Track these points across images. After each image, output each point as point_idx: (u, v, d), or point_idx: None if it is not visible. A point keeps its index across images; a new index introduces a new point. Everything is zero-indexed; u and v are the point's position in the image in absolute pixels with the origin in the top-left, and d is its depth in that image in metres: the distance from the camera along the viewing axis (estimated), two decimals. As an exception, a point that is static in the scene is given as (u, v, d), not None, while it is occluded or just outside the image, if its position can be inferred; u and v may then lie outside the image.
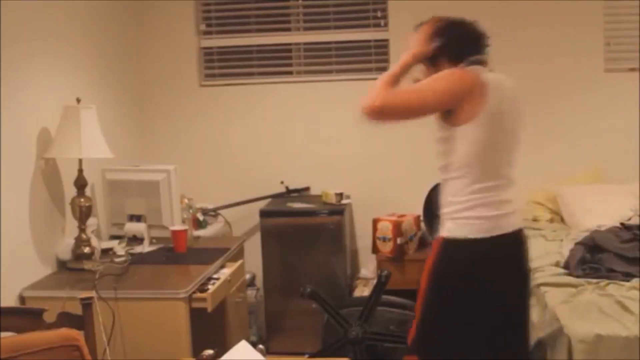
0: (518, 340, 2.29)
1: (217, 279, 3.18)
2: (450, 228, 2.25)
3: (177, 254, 3.38)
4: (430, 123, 4.65)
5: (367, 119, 2.17)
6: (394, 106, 2.18)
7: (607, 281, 2.94)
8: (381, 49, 4.47)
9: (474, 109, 2.18)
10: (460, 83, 2.20)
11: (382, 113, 2.17)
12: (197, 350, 2.72)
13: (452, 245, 2.23)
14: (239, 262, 3.54)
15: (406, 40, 2.46)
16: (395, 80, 2.27)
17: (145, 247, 3.45)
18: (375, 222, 4.12)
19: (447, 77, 2.22)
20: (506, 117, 2.27)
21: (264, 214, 4.19)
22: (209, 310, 2.94)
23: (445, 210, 2.29)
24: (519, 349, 2.29)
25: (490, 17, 4.33)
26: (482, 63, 2.32)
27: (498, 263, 2.23)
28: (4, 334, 2.23)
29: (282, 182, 4.42)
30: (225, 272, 3.29)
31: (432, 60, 2.35)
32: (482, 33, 2.39)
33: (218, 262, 3.30)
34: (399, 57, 4.90)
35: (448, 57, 2.32)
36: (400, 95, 2.20)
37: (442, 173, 2.32)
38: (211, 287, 3.03)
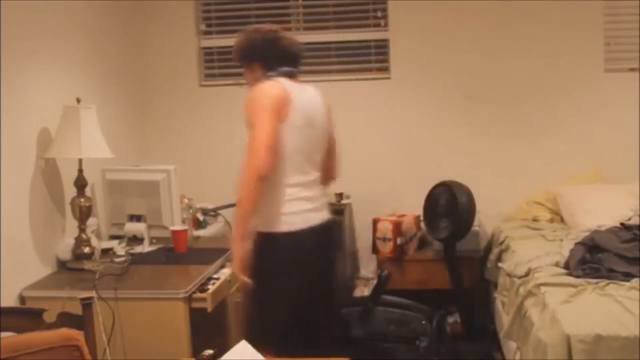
0: (325, 309, 2.74)
1: (217, 279, 3.17)
2: (264, 224, 2.55)
3: (177, 254, 3.38)
4: (430, 125, 4.64)
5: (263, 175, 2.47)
6: (266, 162, 2.48)
7: (607, 281, 2.94)
8: (381, 49, 4.47)
9: (282, 116, 2.54)
10: (271, 100, 2.56)
11: (266, 169, 2.48)
12: (197, 350, 2.73)
13: (269, 239, 2.54)
14: None
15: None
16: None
17: (145, 247, 3.45)
18: (375, 222, 4.12)
19: (260, 106, 2.58)
20: (308, 122, 2.62)
21: (264, 214, 4.18)
22: (209, 310, 2.94)
23: (258, 207, 2.55)
24: (325, 316, 2.75)
25: (490, 17, 4.36)
26: (291, 75, 2.69)
27: (307, 251, 2.56)
28: (4, 334, 2.23)
29: (282, 182, 4.41)
30: (225, 272, 3.29)
31: (248, 64, 2.77)
32: (297, 49, 2.77)
33: (218, 262, 3.30)
34: (399, 57, 4.91)
35: (261, 64, 2.71)
36: (256, 154, 2.51)
37: None
38: (211, 287, 3.03)
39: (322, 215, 2.67)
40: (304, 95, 2.67)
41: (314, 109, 2.70)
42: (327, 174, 2.79)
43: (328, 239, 2.74)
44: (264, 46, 2.72)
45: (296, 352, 2.25)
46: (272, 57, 2.71)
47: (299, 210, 2.56)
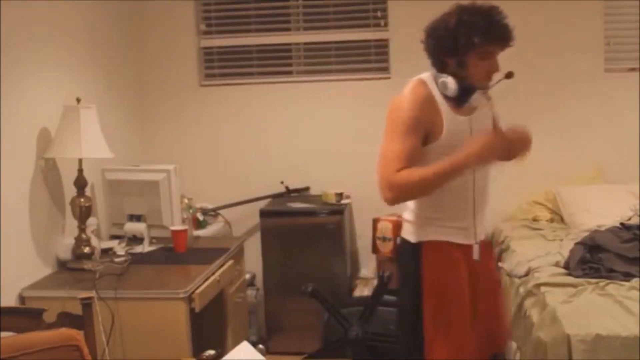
0: None
1: (218, 280, 3.17)
2: None
3: (177, 254, 3.38)
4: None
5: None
6: None
7: (607, 281, 2.94)
8: (381, 49, 4.47)
9: None
10: None
11: None
12: (197, 350, 2.73)
13: None
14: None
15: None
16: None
17: (145, 247, 3.44)
18: (375, 222, 4.12)
19: None
20: None
21: (264, 214, 4.19)
22: (197, 310, 2.91)
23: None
24: None
25: (490, 17, 4.36)
26: None
27: None
28: (4, 334, 2.23)
29: (282, 182, 4.42)
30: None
31: None
32: None
33: (218, 262, 3.30)
34: (399, 57, 4.90)
35: None
36: None
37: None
38: (199, 288, 3.00)
39: None
40: None
41: None
42: None
43: None
44: None
45: None
46: None
47: None
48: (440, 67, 2.27)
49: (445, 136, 2.21)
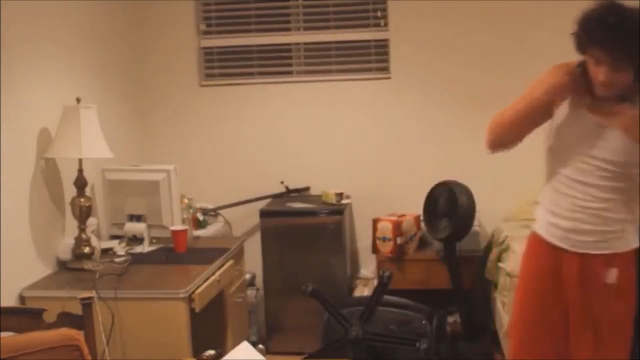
0: None
1: (218, 280, 3.17)
2: None
3: (177, 254, 3.38)
4: (430, 124, 4.61)
5: None
6: None
7: (607, 281, 2.93)
8: (381, 49, 4.47)
9: None
10: None
11: None
12: (197, 350, 2.73)
13: None
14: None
15: None
16: None
17: (145, 247, 3.45)
18: (375, 222, 4.12)
19: None
20: None
21: (264, 214, 4.19)
22: (197, 310, 2.91)
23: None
24: None
25: (490, 17, 4.36)
26: None
27: None
28: (4, 334, 2.23)
29: (282, 182, 4.42)
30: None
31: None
32: None
33: (218, 262, 3.30)
34: (399, 57, 4.88)
35: None
36: None
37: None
38: (200, 288, 3.00)
39: None
40: None
41: None
42: None
43: None
44: None
45: None
46: None
47: None
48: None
49: (561, 110, 2.32)
